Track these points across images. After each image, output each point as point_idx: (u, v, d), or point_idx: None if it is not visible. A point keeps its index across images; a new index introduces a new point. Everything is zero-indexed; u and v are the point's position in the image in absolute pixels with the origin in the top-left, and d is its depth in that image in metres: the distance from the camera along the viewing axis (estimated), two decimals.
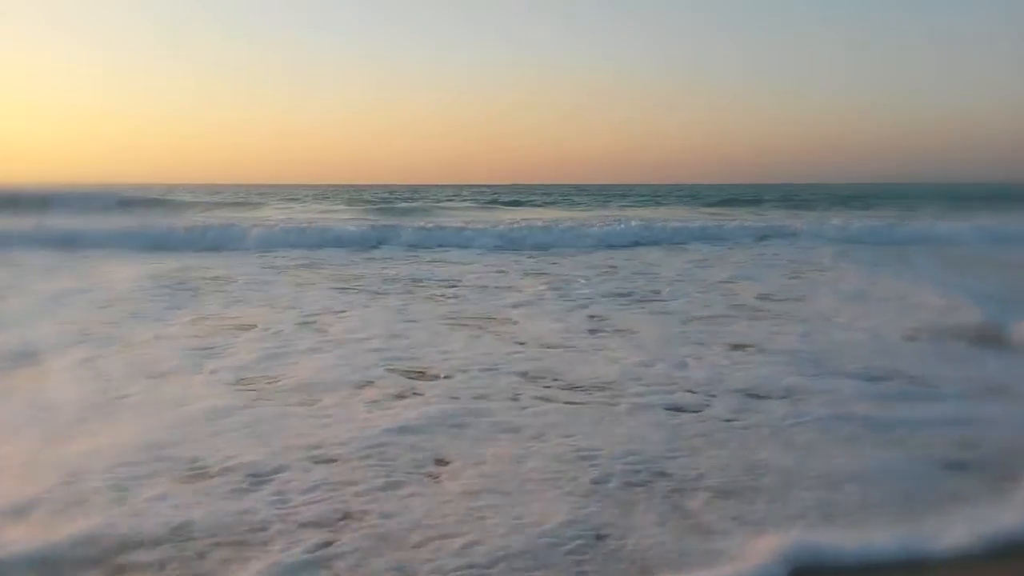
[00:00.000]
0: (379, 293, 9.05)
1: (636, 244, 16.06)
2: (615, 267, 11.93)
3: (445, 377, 5.17)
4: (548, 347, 6.08)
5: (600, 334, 6.63)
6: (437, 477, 3.49)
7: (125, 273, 10.51)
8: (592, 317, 7.42)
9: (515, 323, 7.12)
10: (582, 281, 10.09)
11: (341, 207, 32.13)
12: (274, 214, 25.99)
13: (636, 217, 22.43)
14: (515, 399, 4.67)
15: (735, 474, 3.51)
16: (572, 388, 4.93)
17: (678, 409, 4.48)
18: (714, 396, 4.70)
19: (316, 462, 3.62)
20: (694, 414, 4.39)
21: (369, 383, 5.00)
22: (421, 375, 5.25)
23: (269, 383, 5.03)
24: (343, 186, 78.63)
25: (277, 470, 3.52)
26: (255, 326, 6.88)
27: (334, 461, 3.65)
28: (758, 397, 4.70)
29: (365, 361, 5.57)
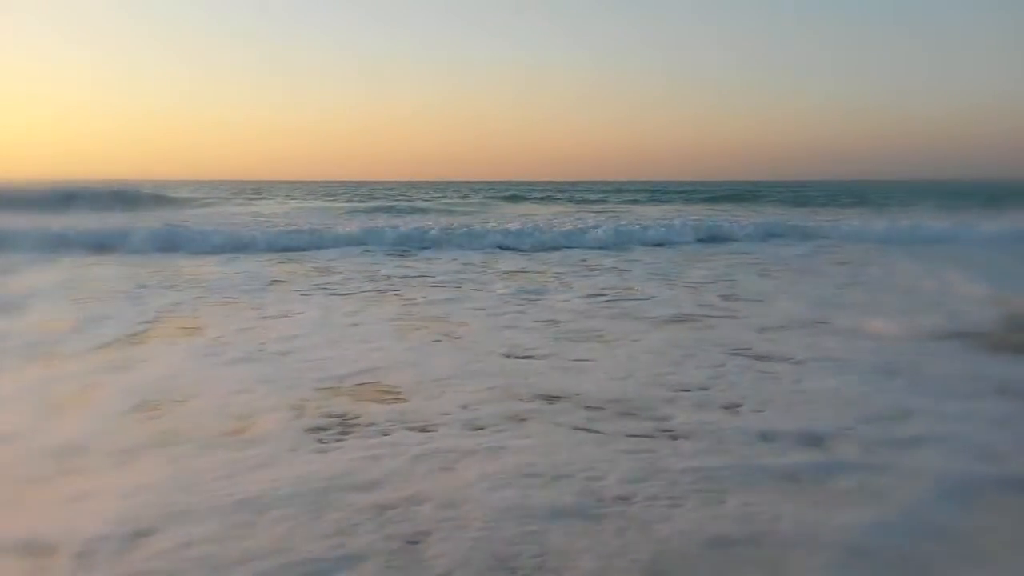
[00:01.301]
0: (343, 294, 8.23)
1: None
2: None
3: (395, 401, 4.31)
4: (520, 358, 5.24)
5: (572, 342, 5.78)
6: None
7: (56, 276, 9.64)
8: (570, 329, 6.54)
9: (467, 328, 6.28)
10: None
11: (324, 204, 31.27)
12: (256, 210, 25.12)
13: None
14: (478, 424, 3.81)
15: None
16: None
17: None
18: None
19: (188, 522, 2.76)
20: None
21: (298, 409, 4.12)
22: (368, 396, 4.38)
23: (175, 404, 4.16)
24: (335, 183, 77.51)
25: (143, 533, 2.65)
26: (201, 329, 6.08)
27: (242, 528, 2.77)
28: None
29: (298, 376, 4.71)
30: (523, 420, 3.92)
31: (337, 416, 3.97)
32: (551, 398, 4.29)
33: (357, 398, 4.32)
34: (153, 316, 6.73)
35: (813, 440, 3.58)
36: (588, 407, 4.12)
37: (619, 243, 14.64)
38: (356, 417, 3.95)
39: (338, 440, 3.62)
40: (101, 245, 12.55)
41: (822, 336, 5.90)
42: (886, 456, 3.38)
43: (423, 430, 3.77)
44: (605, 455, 3.42)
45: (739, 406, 4.12)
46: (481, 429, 3.78)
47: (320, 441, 3.61)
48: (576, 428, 3.81)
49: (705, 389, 4.45)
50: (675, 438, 3.65)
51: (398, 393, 4.40)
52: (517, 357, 5.28)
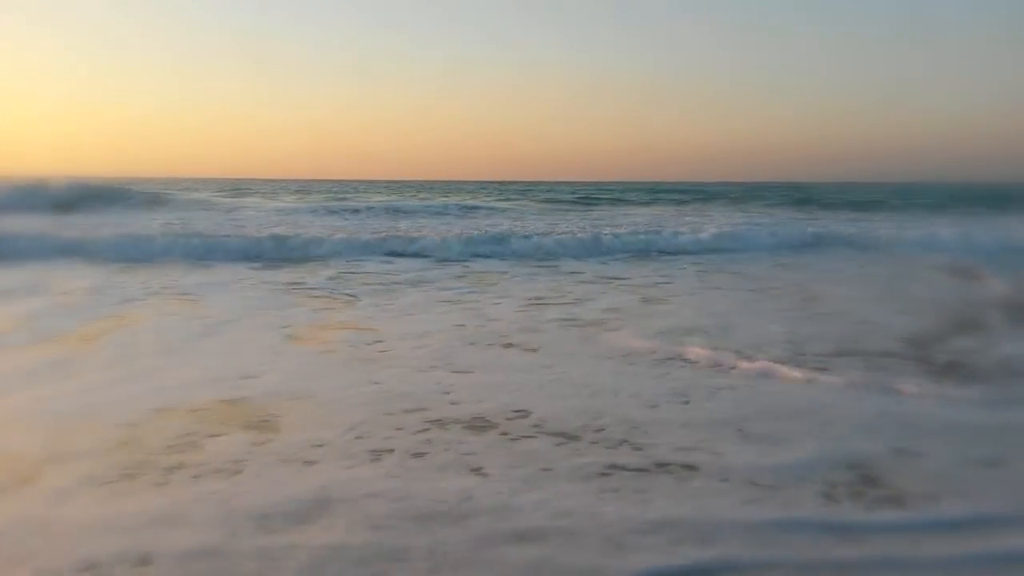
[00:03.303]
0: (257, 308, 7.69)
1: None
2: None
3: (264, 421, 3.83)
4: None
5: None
6: None
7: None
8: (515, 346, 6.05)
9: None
10: None
11: (307, 204, 30.59)
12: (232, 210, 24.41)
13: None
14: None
15: None
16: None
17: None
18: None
19: None
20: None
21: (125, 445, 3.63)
22: (230, 420, 3.89)
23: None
24: (326, 181, 77.01)
25: None
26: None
27: None
28: None
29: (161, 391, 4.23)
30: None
31: (169, 449, 3.49)
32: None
33: (209, 420, 3.84)
34: None
35: None
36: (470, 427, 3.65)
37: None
38: (198, 449, 3.47)
39: (157, 485, 3.12)
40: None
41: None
42: None
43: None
44: None
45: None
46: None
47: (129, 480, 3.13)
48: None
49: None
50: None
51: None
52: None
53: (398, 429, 3.71)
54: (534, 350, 5.40)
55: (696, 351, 5.20)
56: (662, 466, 3.27)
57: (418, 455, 3.39)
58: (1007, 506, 2.92)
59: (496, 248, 12.42)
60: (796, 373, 4.71)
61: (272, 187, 48.99)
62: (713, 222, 17.74)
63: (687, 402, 4.17)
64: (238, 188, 43.49)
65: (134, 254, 10.80)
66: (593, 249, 12.75)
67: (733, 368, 4.84)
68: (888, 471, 3.24)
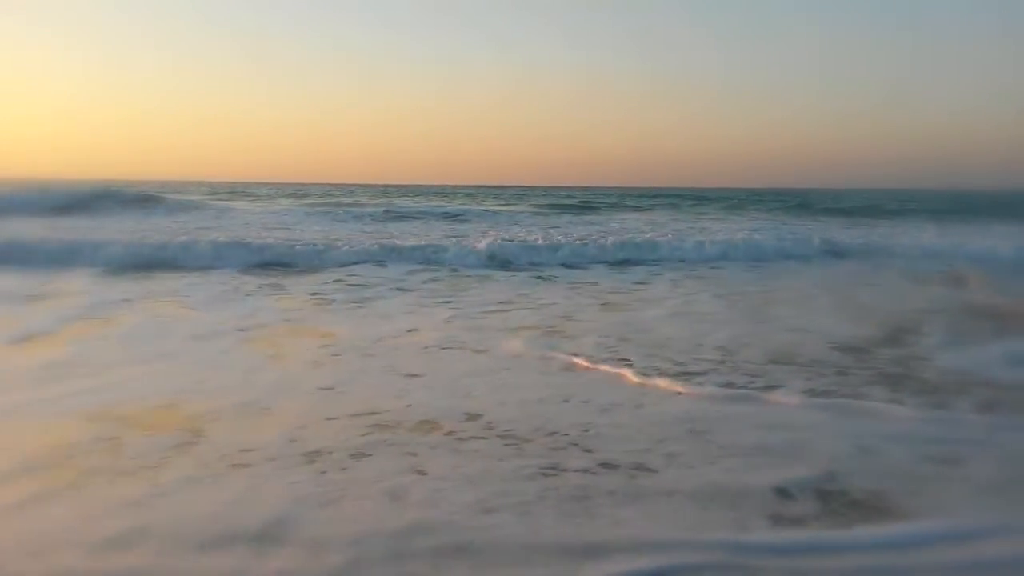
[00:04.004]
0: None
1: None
2: None
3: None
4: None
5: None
6: None
7: None
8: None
9: None
10: None
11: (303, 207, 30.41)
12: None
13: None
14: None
15: None
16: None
17: None
18: None
19: None
20: None
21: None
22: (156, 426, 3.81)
23: None
24: (323, 185, 77.00)
25: None
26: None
27: None
28: None
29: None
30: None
31: (88, 454, 3.39)
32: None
33: (137, 426, 3.76)
34: None
35: None
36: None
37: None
38: (116, 454, 3.40)
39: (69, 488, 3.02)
40: None
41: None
42: None
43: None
44: None
45: None
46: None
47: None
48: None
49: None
50: None
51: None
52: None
53: (337, 432, 3.66)
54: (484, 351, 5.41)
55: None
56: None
57: (357, 456, 3.35)
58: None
59: (484, 256, 12.01)
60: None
61: (268, 190, 48.91)
62: (707, 230, 17.44)
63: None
64: (235, 191, 43.50)
65: (121, 259, 10.62)
66: (582, 256, 12.53)
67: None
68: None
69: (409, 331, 6.18)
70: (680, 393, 4.43)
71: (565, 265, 11.72)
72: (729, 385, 4.58)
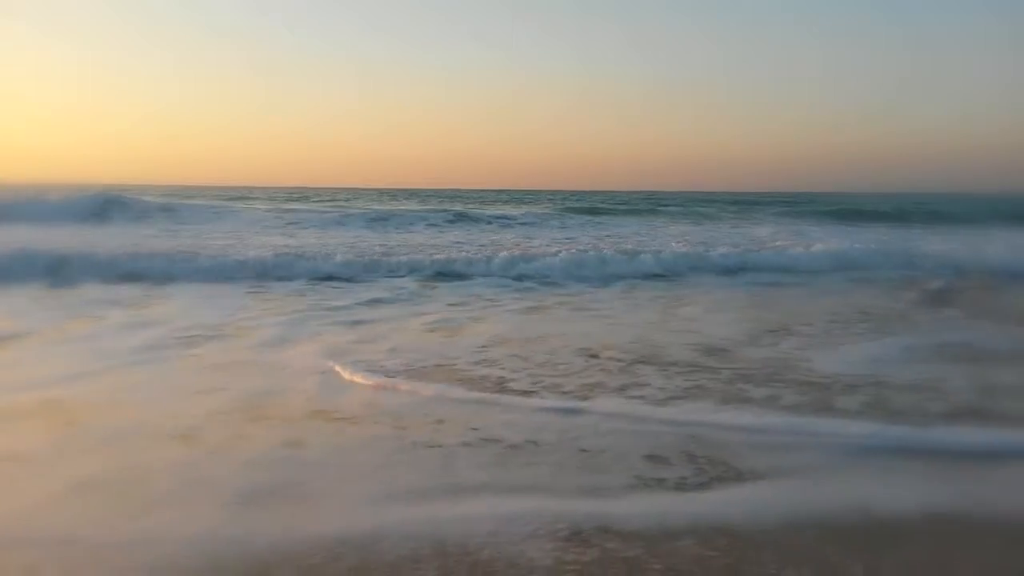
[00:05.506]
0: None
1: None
2: None
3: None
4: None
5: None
6: None
7: None
8: None
9: None
10: None
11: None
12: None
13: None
14: None
15: None
16: None
17: None
18: None
19: None
20: None
21: None
22: None
23: None
24: (325, 189, 76.99)
25: None
26: None
27: None
28: None
29: None
30: None
31: None
32: None
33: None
34: None
35: None
36: None
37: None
38: None
39: None
40: None
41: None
42: None
43: None
44: None
45: None
46: None
47: None
48: None
49: None
50: None
51: None
52: None
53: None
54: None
55: None
56: None
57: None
58: None
59: (464, 267, 11.42)
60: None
61: (268, 194, 48.88)
62: (703, 237, 16.95)
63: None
64: (237, 195, 43.41)
65: (107, 268, 10.11)
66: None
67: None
68: None
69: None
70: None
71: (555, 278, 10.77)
72: None
